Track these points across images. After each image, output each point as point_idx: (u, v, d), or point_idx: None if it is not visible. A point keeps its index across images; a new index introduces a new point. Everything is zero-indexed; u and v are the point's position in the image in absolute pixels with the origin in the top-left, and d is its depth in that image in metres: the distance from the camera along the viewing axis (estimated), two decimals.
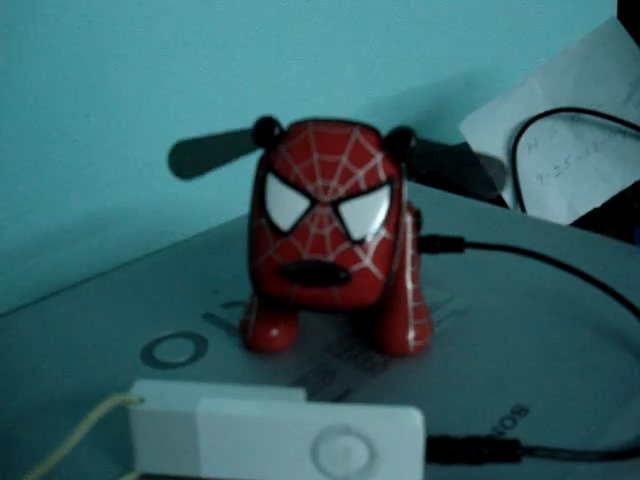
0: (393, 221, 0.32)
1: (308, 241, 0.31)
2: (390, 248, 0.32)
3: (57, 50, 0.48)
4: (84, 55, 0.49)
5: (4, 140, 0.47)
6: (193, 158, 0.35)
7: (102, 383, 0.34)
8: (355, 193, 0.32)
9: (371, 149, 0.32)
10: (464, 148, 0.32)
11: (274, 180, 0.32)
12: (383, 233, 0.32)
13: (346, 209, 0.31)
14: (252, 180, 0.34)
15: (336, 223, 0.31)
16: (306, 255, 0.31)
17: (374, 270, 0.31)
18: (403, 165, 0.33)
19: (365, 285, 0.31)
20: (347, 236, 0.31)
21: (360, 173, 0.32)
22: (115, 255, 0.55)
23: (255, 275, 0.33)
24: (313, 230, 0.31)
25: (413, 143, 0.32)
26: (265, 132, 0.33)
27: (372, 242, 0.31)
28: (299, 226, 0.31)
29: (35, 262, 0.51)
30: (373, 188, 0.32)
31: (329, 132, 0.33)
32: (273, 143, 0.33)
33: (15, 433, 0.31)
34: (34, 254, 0.51)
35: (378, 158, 0.32)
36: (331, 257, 0.31)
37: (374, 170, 0.32)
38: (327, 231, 0.31)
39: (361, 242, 0.31)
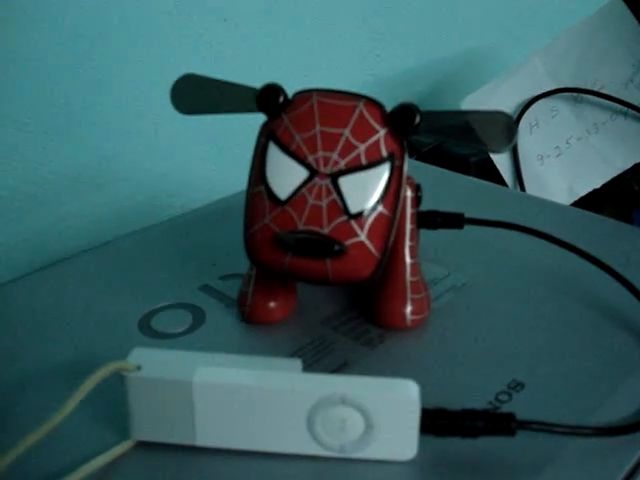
0: (391, 198, 0.32)
1: (305, 212, 0.31)
2: (386, 225, 0.32)
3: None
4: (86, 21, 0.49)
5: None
6: (197, 96, 0.34)
7: (99, 353, 0.34)
8: (355, 167, 0.31)
9: (375, 124, 0.32)
10: (468, 110, 0.32)
11: (275, 148, 0.32)
12: (380, 209, 0.31)
13: (345, 182, 0.31)
14: (253, 146, 0.33)
15: (334, 196, 0.31)
16: (302, 226, 0.31)
17: (369, 245, 0.31)
18: (405, 142, 0.32)
19: (359, 259, 0.31)
20: (344, 209, 0.31)
21: (362, 147, 0.31)
22: (115, 227, 0.55)
23: (250, 242, 0.33)
24: (310, 201, 0.31)
25: (417, 120, 0.32)
26: (269, 99, 0.32)
27: (369, 217, 0.31)
28: (297, 196, 0.31)
29: (32, 233, 0.51)
30: (374, 163, 0.31)
31: (334, 103, 0.32)
32: (277, 111, 0.33)
33: (12, 400, 0.31)
34: (31, 225, 0.51)
35: (381, 133, 0.32)
36: (327, 229, 0.31)
37: (376, 145, 0.32)
38: (324, 203, 0.31)
39: (358, 216, 0.31)
